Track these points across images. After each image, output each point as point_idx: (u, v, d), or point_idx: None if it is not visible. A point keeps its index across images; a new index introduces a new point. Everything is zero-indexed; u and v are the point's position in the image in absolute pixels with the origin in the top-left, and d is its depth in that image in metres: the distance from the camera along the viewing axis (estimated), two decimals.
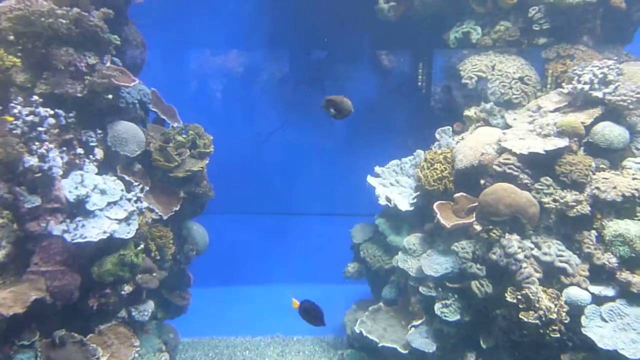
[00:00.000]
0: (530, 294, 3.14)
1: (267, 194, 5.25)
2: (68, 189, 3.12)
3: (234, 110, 5.18)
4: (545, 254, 3.29)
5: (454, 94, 4.51)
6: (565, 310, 3.13)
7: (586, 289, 3.23)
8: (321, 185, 5.19)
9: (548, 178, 3.46)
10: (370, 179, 4.34)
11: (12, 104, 2.97)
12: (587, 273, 3.27)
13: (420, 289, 3.78)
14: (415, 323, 3.84)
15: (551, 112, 3.82)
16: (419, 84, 5.13)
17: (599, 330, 3.10)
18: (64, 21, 3.14)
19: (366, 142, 5.05)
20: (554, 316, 3.09)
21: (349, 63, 5.31)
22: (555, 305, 3.13)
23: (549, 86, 4.17)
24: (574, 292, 3.20)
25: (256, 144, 5.24)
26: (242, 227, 5.07)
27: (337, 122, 5.04)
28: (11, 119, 2.97)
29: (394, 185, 4.29)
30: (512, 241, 3.33)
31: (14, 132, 2.93)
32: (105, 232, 3.10)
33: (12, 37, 3.12)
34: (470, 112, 4.15)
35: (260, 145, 5.26)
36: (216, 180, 4.03)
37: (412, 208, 4.04)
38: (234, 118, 5.11)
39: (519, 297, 3.19)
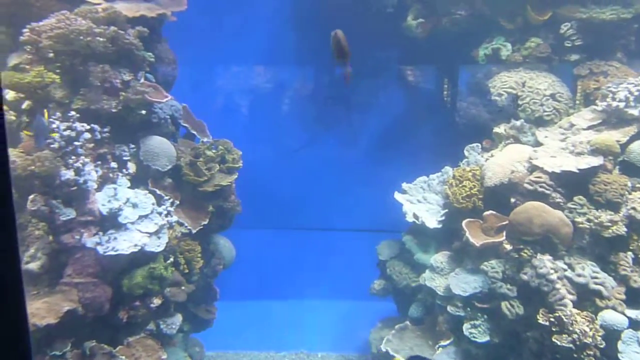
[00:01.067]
0: (563, 317, 3.05)
1: (294, 209, 5.25)
2: (101, 202, 3.19)
3: (262, 125, 5.23)
4: (579, 275, 3.20)
5: (480, 111, 4.46)
6: (600, 334, 3.03)
7: (622, 313, 3.12)
8: (348, 201, 5.18)
9: (582, 197, 3.38)
10: (398, 196, 4.31)
11: (51, 119, 3.07)
12: (623, 296, 3.17)
13: (448, 308, 3.71)
14: (443, 343, 3.76)
15: (584, 129, 3.75)
16: (445, 99, 5.10)
17: (636, 357, 2.99)
18: (101, 39, 3.24)
19: (393, 158, 5.02)
20: (589, 340, 2.99)
21: (375, 79, 5.32)
22: (590, 329, 3.03)
23: (577, 102, 4.10)
24: (609, 316, 3.10)
25: (283, 160, 5.26)
26: (269, 241, 5.08)
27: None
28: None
29: (421, 202, 4.25)
30: (544, 261, 3.25)
31: (52, 146, 3.03)
32: (136, 245, 3.15)
33: (51, 55, 3.23)
34: (500, 129, 4.09)
35: (288, 161, 5.29)
36: (243, 195, 4.07)
37: (440, 226, 3.99)
38: (262, 133, 5.15)
39: (552, 319, 3.10)
